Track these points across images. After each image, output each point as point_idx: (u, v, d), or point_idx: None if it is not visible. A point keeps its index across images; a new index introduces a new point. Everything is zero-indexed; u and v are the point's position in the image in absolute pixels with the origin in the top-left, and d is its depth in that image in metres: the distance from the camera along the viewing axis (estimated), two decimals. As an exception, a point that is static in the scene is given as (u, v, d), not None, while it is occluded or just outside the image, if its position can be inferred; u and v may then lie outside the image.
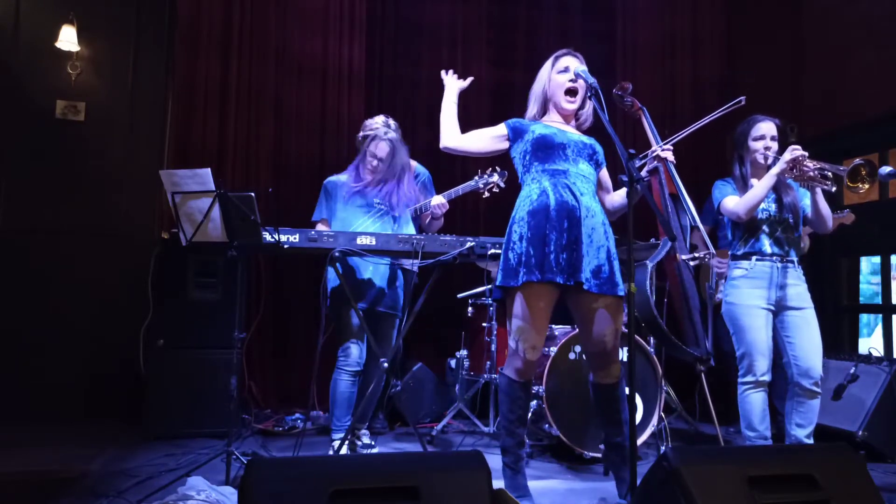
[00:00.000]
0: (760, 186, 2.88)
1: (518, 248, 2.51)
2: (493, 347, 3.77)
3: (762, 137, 3.02)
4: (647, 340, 3.68)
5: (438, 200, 3.47)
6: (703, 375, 3.31)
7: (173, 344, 3.64)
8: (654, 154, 2.63)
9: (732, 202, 2.94)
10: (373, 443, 3.37)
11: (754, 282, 2.93)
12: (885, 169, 2.87)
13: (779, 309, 2.95)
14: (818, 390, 2.89)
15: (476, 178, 3.55)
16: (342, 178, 3.46)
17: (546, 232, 2.48)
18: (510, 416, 2.59)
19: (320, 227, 3.38)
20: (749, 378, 2.90)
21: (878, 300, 4.65)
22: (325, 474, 1.58)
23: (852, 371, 3.62)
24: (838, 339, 4.67)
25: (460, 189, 3.53)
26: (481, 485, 1.63)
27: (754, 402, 2.90)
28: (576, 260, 2.48)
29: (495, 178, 3.48)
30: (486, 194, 3.53)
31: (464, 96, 5.21)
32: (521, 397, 2.58)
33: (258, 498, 1.50)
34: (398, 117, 4.91)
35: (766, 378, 2.89)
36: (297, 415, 4.11)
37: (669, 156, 2.64)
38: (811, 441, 2.90)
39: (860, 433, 3.46)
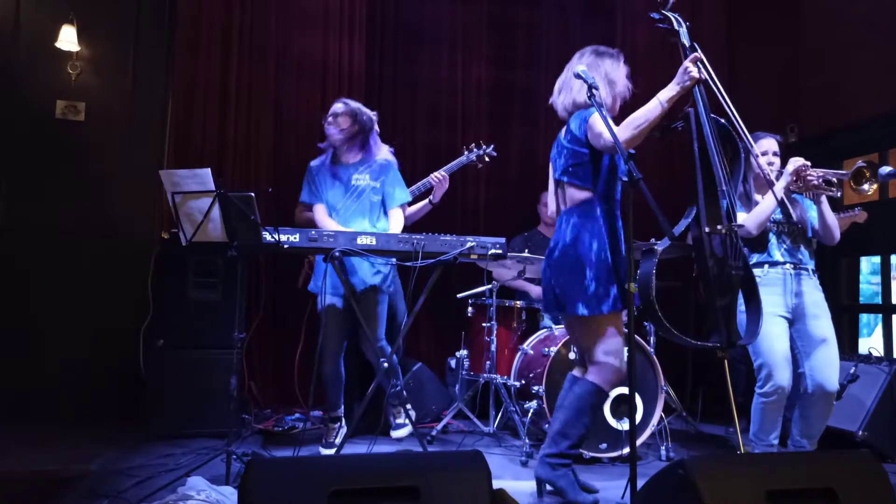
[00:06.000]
0: (768, 201, 2.84)
1: (613, 278, 2.57)
2: (493, 347, 3.77)
3: (764, 153, 3.01)
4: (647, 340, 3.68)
5: (439, 175, 3.78)
6: (725, 364, 3.00)
7: (173, 344, 3.64)
8: (687, 72, 2.41)
9: (740, 219, 2.91)
10: (406, 423, 3.42)
11: (769, 289, 2.86)
12: (885, 169, 2.87)
13: (795, 317, 2.90)
14: (832, 404, 2.83)
15: (466, 152, 3.96)
16: (319, 160, 3.53)
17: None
18: (589, 424, 2.66)
19: (318, 212, 3.45)
20: (767, 389, 2.80)
21: (878, 300, 4.65)
22: (325, 474, 1.58)
23: (852, 371, 3.62)
24: (839, 339, 4.66)
25: (454, 165, 3.92)
26: (481, 485, 1.63)
27: (769, 414, 2.82)
28: None
29: (487, 149, 3.96)
30: (480, 165, 4.04)
31: (464, 96, 5.26)
32: None
33: (258, 498, 1.50)
34: (398, 117, 4.93)
35: (786, 390, 2.78)
36: (297, 415, 4.11)
37: (694, 71, 2.41)
38: (814, 448, 2.88)
39: (860, 433, 3.46)
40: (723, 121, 2.62)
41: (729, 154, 2.66)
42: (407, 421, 3.39)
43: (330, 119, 3.42)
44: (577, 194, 2.67)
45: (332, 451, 3.34)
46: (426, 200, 3.86)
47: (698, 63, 2.45)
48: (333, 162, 3.47)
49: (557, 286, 2.65)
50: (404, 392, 3.43)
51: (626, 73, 2.76)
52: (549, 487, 2.66)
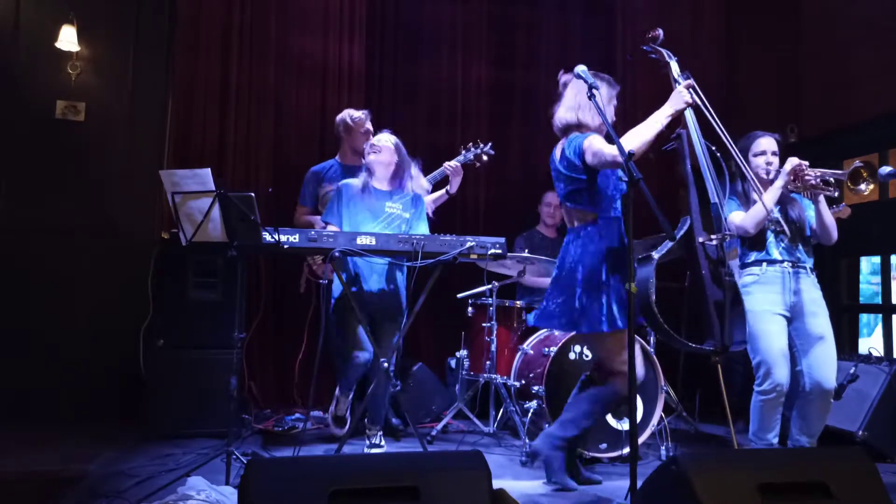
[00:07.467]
0: (766, 200, 2.86)
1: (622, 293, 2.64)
2: (493, 347, 3.77)
3: (763, 153, 3.02)
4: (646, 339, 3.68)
5: (452, 164, 3.80)
6: (718, 368, 3.06)
7: (173, 344, 3.64)
8: (680, 96, 2.56)
9: (739, 218, 2.91)
10: (382, 444, 3.37)
11: (767, 287, 2.88)
12: (885, 169, 2.88)
13: (793, 315, 2.91)
14: (830, 402, 2.85)
15: (463, 152, 3.93)
16: (356, 182, 3.40)
17: None
18: (596, 418, 2.82)
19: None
20: (766, 387, 2.81)
21: (878, 300, 4.65)
22: (324, 474, 1.58)
23: (852, 371, 3.62)
24: (838, 339, 4.65)
25: (453, 163, 3.88)
26: (481, 485, 1.63)
27: (767, 413, 2.83)
28: None
29: (485, 147, 3.93)
30: (478, 164, 3.98)
31: (464, 96, 5.26)
32: None
33: (258, 498, 1.50)
34: (398, 117, 4.90)
35: (784, 388, 2.80)
36: (297, 415, 4.11)
37: (687, 97, 2.56)
38: (815, 445, 2.89)
39: (860, 433, 3.46)
40: (713, 147, 2.77)
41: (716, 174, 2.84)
42: (380, 441, 3.36)
43: (372, 153, 3.37)
44: (581, 216, 2.78)
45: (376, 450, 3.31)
46: (443, 191, 3.86)
47: (690, 89, 2.59)
48: (366, 185, 3.38)
49: (573, 303, 2.72)
50: (390, 407, 3.36)
51: (613, 104, 2.85)
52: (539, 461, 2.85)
